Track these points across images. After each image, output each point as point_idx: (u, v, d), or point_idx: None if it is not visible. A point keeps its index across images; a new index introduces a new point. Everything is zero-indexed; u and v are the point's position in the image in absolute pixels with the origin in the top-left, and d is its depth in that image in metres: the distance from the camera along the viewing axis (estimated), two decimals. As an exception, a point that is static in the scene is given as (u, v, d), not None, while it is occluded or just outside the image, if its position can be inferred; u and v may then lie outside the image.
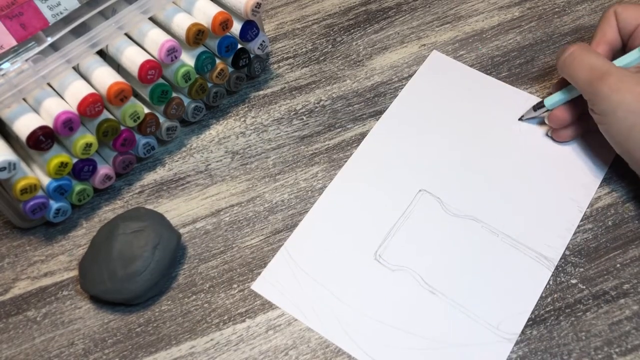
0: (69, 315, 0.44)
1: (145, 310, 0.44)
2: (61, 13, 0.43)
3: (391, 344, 0.41)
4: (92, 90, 0.43)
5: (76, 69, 0.45)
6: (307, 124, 0.52)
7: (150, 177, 0.50)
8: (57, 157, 0.43)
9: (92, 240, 0.44)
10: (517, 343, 0.41)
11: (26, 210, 0.43)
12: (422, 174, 0.48)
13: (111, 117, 0.45)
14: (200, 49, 0.48)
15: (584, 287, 0.43)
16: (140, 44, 0.46)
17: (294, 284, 0.44)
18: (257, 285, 0.44)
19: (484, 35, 0.55)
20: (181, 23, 0.46)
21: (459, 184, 0.48)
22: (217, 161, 0.50)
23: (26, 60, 0.41)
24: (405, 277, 0.44)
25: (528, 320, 0.42)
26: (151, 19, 0.46)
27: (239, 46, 0.50)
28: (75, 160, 0.44)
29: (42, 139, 0.41)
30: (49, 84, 0.43)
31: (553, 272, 0.43)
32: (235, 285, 0.44)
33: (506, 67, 0.54)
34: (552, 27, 0.56)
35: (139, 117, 0.46)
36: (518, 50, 0.54)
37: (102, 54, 0.46)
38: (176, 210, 0.48)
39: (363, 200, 0.47)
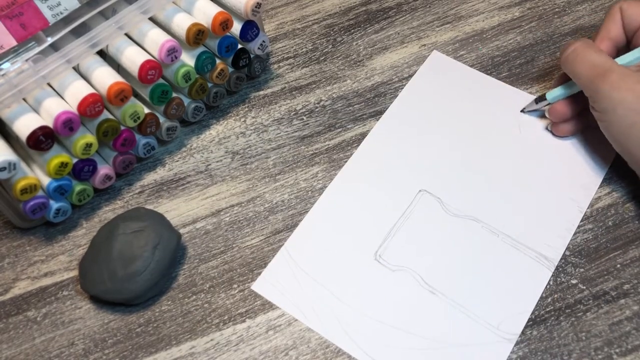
0: (69, 315, 0.44)
1: (145, 311, 0.44)
2: (61, 13, 0.43)
3: (391, 344, 0.41)
4: (92, 90, 0.43)
5: (76, 69, 0.45)
6: (308, 124, 0.52)
7: (150, 177, 0.50)
8: (57, 157, 0.43)
9: (92, 240, 0.44)
10: (517, 343, 0.41)
11: (26, 210, 0.43)
12: (423, 174, 0.48)
13: (111, 117, 0.45)
14: (201, 49, 0.48)
15: (584, 287, 0.43)
16: (140, 44, 0.46)
17: (294, 284, 0.44)
18: (257, 286, 0.44)
19: (484, 36, 0.55)
20: (181, 23, 0.46)
21: (459, 184, 0.48)
22: (217, 161, 0.50)
23: (26, 60, 0.41)
24: (405, 277, 0.44)
25: (528, 321, 0.42)
26: (151, 19, 0.46)
27: (239, 46, 0.50)
28: (75, 160, 0.44)
29: (42, 139, 0.41)
30: (49, 84, 0.43)
31: (553, 273, 0.43)
32: (235, 286, 0.44)
33: (506, 67, 0.54)
34: (552, 27, 0.56)
35: (139, 117, 0.46)
36: (518, 50, 0.54)
37: (102, 54, 0.46)
38: (176, 210, 0.48)
39: (363, 201, 0.47)
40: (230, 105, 0.53)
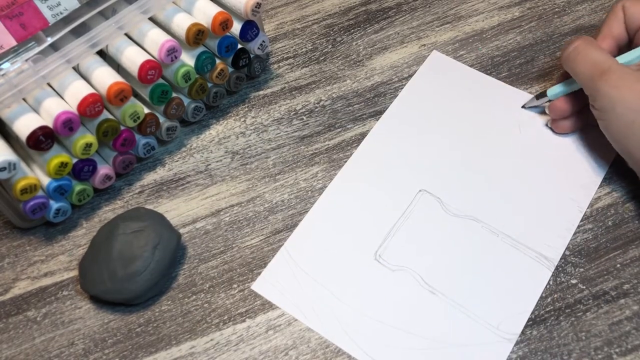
0: (69, 315, 0.44)
1: (145, 310, 0.44)
2: (61, 13, 0.43)
3: (391, 344, 0.41)
4: (92, 90, 0.43)
5: (76, 69, 0.45)
6: (307, 124, 0.52)
7: (150, 177, 0.50)
8: (57, 157, 0.43)
9: (92, 240, 0.44)
10: (517, 343, 0.41)
11: (26, 210, 0.43)
12: (422, 174, 0.48)
13: (111, 117, 0.45)
14: (200, 49, 0.48)
15: (584, 287, 0.43)
16: (140, 44, 0.46)
17: (294, 284, 0.44)
18: (257, 285, 0.44)
19: (484, 35, 0.55)
20: (181, 23, 0.46)
21: (459, 184, 0.48)
22: (217, 161, 0.50)
23: (26, 60, 0.41)
24: (405, 277, 0.44)
25: (528, 321, 0.42)
26: (151, 19, 0.46)
27: (239, 46, 0.50)
28: (75, 160, 0.44)
29: (42, 139, 0.41)
30: (49, 84, 0.43)
31: (553, 272, 0.43)
32: (235, 285, 0.44)
33: (506, 67, 0.54)
34: (552, 27, 0.56)
35: (139, 117, 0.46)
36: (518, 50, 0.54)
37: (102, 54, 0.46)
38: (176, 210, 0.48)
39: (363, 200, 0.47)
40: (230, 105, 0.53)
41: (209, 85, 0.50)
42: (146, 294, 0.43)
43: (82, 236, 0.47)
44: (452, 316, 0.42)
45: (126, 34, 0.46)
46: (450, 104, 0.52)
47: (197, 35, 0.46)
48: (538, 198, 0.47)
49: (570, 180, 0.47)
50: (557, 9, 0.57)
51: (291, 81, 0.54)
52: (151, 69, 0.44)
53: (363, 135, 0.51)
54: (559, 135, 0.49)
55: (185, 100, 0.50)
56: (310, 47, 0.56)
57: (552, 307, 0.42)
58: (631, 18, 0.45)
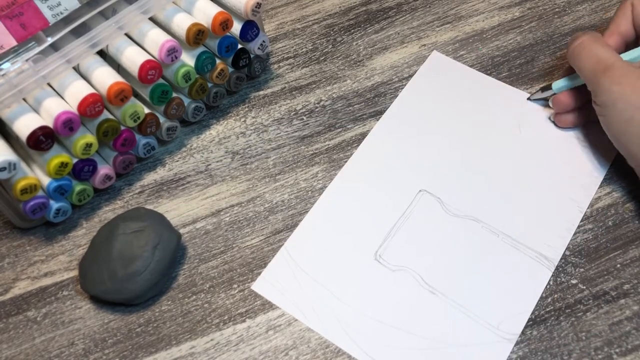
0: (69, 315, 0.44)
1: (145, 310, 0.44)
2: (61, 13, 0.43)
3: (391, 344, 0.41)
4: (92, 90, 0.43)
5: (76, 69, 0.45)
6: (308, 124, 0.52)
7: (150, 177, 0.50)
8: (57, 157, 0.43)
9: (92, 240, 0.44)
10: (517, 343, 0.41)
11: (26, 210, 0.43)
12: (423, 174, 0.48)
13: (111, 117, 0.45)
14: (201, 49, 0.48)
15: (584, 287, 0.43)
16: (140, 44, 0.46)
17: (294, 284, 0.44)
18: (257, 286, 0.44)
19: (484, 36, 0.55)
20: (181, 23, 0.46)
21: (459, 184, 0.48)
22: (217, 161, 0.50)
23: (26, 60, 0.41)
24: (405, 277, 0.44)
25: (528, 321, 0.42)
26: (151, 19, 0.46)
27: (239, 46, 0.50)
28: (75, 160, 0.44)
29: (42, 139, 0.41)
30: (49, 84, 0.43)
31: (553, 272, 0.43)
32: (235, 286, 0.44)
33: (506, 67, 0.54)
34: (552, 27, 0.56)
35: (139, 117, 0.46)
36: (518, 50, 0.54)
37: (102, 54, 0.46)
38: (176, 210, 0.48)
39: (363, 201, 0.47)
40: (230, 105, 0.53)
41: (209, 85, 0.50)
42: (146, 294, 0.43)
43: (82, 236, 0.47)
44: (452, 316, 0.42)
45: (126, 34, 0.46)
46: (450, 104, 0.52)
47: (197, 35, 0.46)
48: (538, 198, 0.47)
49: (570, 180, 0.47)
50: (557, 9, 0.57)
51: (291, 81, 0.54)
52: (151, 69, 0.44)
53: (363, 135, 0.51)
54: (559, 135, 0.49)
55: (186, 100, 0.50)
56: (310, 47, 0.56)
57: (552, 307, 0.42)
58: (639, 15, 0.45)
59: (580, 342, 0.41)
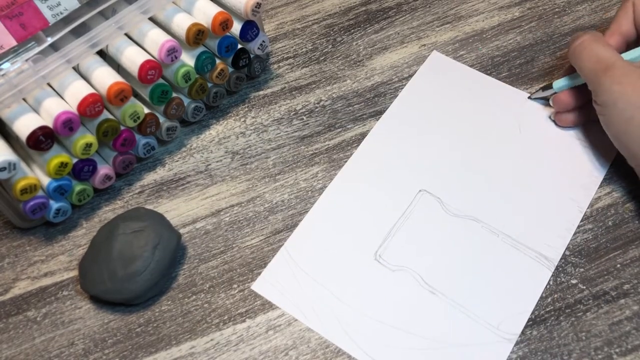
0: (69, 315, 0.44)
1: (145, 310, 0.44)
2: (61, 13, 0.43)
3: (391, 344, 0.41)
4: (92, 90, 0.43)
5: (76, 69, 0.45)
6: (307, 124, 0.52)
7: (150, 177, 0.50)
8: (57, 157, 0.43)
9: (92, 240, 0.44)
10: (517, 343, 0.41)
11: (26, 210, 0.43)
12: (422, 174, 0.48)
13: (111, 117, 0.45)
14: (200, 49, 0.48)
15: (584, 287, 0.43)
16: (140, 44, 0.46)
17: (294, 284, 0.44)
18: (257, 285, 0.44)
19: (484, 36, 0.55)
20: (181, 23, 0.46)
21: (459, 184, 0.48)
22: (217, 161, 0.50)
23: (26, 60, 0.41)
24: (405, 277, 0.44)
25: (528, 321, 0.42)
26: (151, 19, 0.46)
27: (239, 46, 0.50)
28: (75, 160, 0.44)
29: (42, 139, 0.41)
30: (49, 84, 0.43)
31: (553, 272, 0.43)
32: (235, 286, 0.44)
33: (506, 67, 0.54)
34: (552, 27, 0.56)
35: (139, 117, 0.46)
36: (518, 50, 0.54)
37: (102, 54, 0.46)
38: (176, 210, 0.48)
39: (363, 201, 0.47)
40: (230, 105, 0.53)
41: (209, 85, 0.50)
42: (146, 294, 0.43)
43: (82, 236, 0.47)
44: (452, 316, 0.42)
45: (126, 34, 0.46)
46: (450, 104, 0.52)
47: (197, 35, 0.46)
48: (538, 198, 0.47)
49: (570, 180, 0.47)
50: (557, 9, 0.57)
51: (291, 81, 0.54)
52: (151, 69, 0.44)
53: (363, 135, 0.51)
54: (559, 135, 0.49)
55: (185, 100, 0.50)
56: (310, 47, 0.56)
57: (552, 307, 0.42)
58: None
59: (580, 342, 0.41)
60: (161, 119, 0.49)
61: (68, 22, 0.43)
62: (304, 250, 0.45)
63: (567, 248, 0.44)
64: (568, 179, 0.47)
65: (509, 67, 0.53)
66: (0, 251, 0.47)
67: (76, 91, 0.42)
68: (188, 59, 0.48)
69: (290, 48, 0.56)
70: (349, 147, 0.50)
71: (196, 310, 0.43)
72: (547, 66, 0.53)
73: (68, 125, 0.42)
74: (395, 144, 0.50)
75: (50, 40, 0.43)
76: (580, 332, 0.41)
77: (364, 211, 0.47)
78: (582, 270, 0.43)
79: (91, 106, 0.42)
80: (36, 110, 0.42)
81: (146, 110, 0.47)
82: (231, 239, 0.46)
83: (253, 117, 0.52)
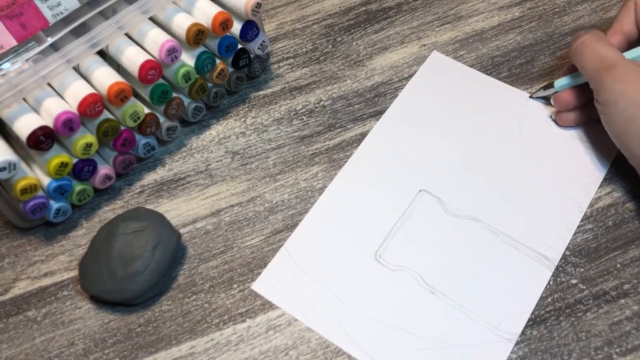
0: (69, 315, 0.44)
1: (145, 310, 0.44)
2: (61, 13, 0.43)
3: (391, 344, 0.41)
4: (92, 90, 0.43)
5: (76, 69, 0.45)
6: (307, 124, 0.52)
7: (150, 177, 0.50)
8: (57, 157, 0.43)
9: (92, 240, 0.44)
10: (517, 343, 0.41)
11: (26, 210, 0.43)
12: (423, 174, 0.48)
13: (111, 117, 0.45)
14: (201, 49, 0.48)
15: (584, 287, 0.43)
16: (140, 44, 0.46)
17: (294, 284, 0.44)
18: (257, 285, 0.44)
19: (484, 36, 0.55)
20: (181, 23, 0.46)
21: (459, 184, 0.48)
22: (217, 161, 0.50)
23: (26, 60, 0.41)
24: (405, 277, 0.44)
25: (528, 321, 0.42)
26: (151, 19, 0.46)
27: (239, 46, 0.50)
28: (75, 160, 0.44)
29: (42, 139, 0.41)
30: (49, 84, 0.43)
31: (553, 272, 0.43)
32: (235, 285, 0.44)
33: (506, 67, 0.54)
34: (552, 27, 0.56)
35: (139, 117, 0.46)
36: (518, 50, 0.54)
37: (102, 54, 0.46)
38: (176, 210, 0.48)
39: (363, 201, 0.47)
40: (230, 105, 0.53)
41: (209, 85, 0.50)
42: (146, 294, 0.43)
43: (82, 236, 0.47)
44: (452, 316, 0.42)
45: (126, 34, 0.46)
46: (450, 104, 0.52)
47: (197, 35, 0.46)
48: (538, 198, 0.47)
49: (570, 180, 0.47)
50: (557, 9, 0.57)
51: (291, 81, 0.54)
52: (151, 69, 0.44)
53: (363, 135, 0.51)
54: (559, 135, 0.49)
55: (186, 100, 0.50)
56: (310, 47, 0.56)
57: (552, 307, 0.42)
58: None
59: (580, 342, 0.41)
60: (161, 119, 0.49)
61: (68, 22, 0.43)
62: (304, 250, 0.45)
63: (567, 248, 0.44)
64: (568, 179, 0.47)
65: (509, 67, 0.53)
66: (0, 251, 0.47)
67: (76, 91, 0.42)
68: (188, 59, 0.48)
69: (291, 48, 0.56)
70: (349, 147, 0.50)
71: (196, 310, 0.43)
72: (547, 66, 0.53)
73: (68, 125, 0.42)
74: (395, 144, 0.50)
75: (50, 40, 0.43)
76: (580, 332, 0.41)
77: (364, 211, 0.47)
78: (582, 270, 0.43)
79: (91, 106, 0.42)
80: (36, 110, 0.42)
81: (146, 110, 0.47)
82: (231, 239, 0.46)
83: (253, 117, 0.52)
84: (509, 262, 0.44)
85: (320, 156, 0.50)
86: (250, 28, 0.49)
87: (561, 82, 0.48)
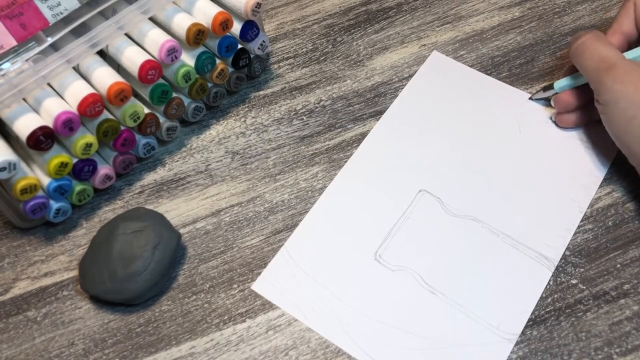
0: (69, 315, 0.44)
1: (145, 311, 0.44)
2: (61, 13, 0.43)
3: (391, 344, 0.41)
4: (92, 90, 0.43)
5: (76, 69, 0.45)
6: (308, 124, 0.52)
7: (150, 177, 0.50)
8: (57, 157, 0.43)
9: (92, 240, 0.44)
10: (517, 343, 0.41)
11: (26, 210, 0.43)
12: (423, 174, 0.48)
13: (111, 117, 0.45)
14: (201, 49, 0.48)
15: (584, 287, 0.43)
16: (140, 44, 0.46)
17: (294, 284, 0.44)
18: (257, 285, 0.44)
19: (484, 36, 0.55)
20: (181, 23, 0.46)
21: (459, 184, 0.48)
22: (217, 161, 0.50)
23: (26, 60, 0.41)
24: (405, 277, 0.44)
25: (528, 321, 0.42)
26: (151, 19, 0.46)
27: (239, 46, 0.50)
28: (75, 160, 0.44)
29: (42, 139, 0.41)
30: (49, 84, 0.43)
31: (553, 273, 0.43)
32: (235, 286, 0.44)
33: (506, 67, 0.53)
34: (552, 27, 0.56)
35: (139, 117, 0.46)
36: (518, 50, 0.54)
37: (102, 54, 0.46)
38: (176, 210, 0.48)
39: (363, 201, 0.47)
40: (230, 105, 0.53)
41: (209, 85, 0.50)
42: (146, 294, 0.43)
43: (82, 236, 0.47)
44: (452, 316, 0.42)
45: (126, 34, 0.46)
46: (450, 104, 0.52)
47: (197, 35, 0.46)
48: (538, 198, 0.47)
49: (570, 180, 0.47)
50: (557, 9, 0.57)
51: (291, 81, 0.54)
52: (151, 69, 0.44)
53: (363, 135, 0.51)
54: (559, 135, 0.49)
55: (186, 100, 0.50)
56: (310, 47, 0.56)
57: (552, 307, 0.42)
58: None
59: (580, 342, 0.41)
60: (161, 119, 0.49)
61: (68, 22, 0.43)
62: (304, 250, 0.45)
63: (567, 248, 0.44)
64: (568, 179, 0.47)
65: (509, 67, 0.53)
66: (0, 251, 0.47)
67: (76, 91, 0.42)
68: (188, 59, 0.48)
69: (291, 48, 0.56)
70: (349, 147, 0.50)
71: (196, 310, 0.43)
72: (547, 66, 0.53)
73: (68, 125, 0.42)
74: (395, 144, 0.50)
75: (50, 40, 0.43)
76: (580, 332, 0.41)
77: (364, 211, 0.47)
78: (582, 270, 0.43)
79: (91, 106, 0.42)
80: (36, 110, 0.42)
81: (146, 110, 0.47)
82: (231, 239, 0.46)
83: (253, 117, 0.52)
84: (509, 262, 0.44)
85: (320, 156, 0.50)
86: (250, 28, 0.49)
87: (561, 83, 0.48)
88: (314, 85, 0.54)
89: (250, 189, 0.49)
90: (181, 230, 0.47)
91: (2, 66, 0.41)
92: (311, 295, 0.43)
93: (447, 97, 0.52)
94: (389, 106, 0.52)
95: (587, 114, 0.48)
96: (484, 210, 0.46)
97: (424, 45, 0.55)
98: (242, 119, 0.52)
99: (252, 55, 0.52)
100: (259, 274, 0.45)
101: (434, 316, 0.42)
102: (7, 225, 0.48)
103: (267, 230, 0.47)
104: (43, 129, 0.41)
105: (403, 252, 0.45)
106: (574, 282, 0.43)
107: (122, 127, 0.46)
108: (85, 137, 0.43)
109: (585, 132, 0.49)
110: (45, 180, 0.44)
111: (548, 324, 0.41)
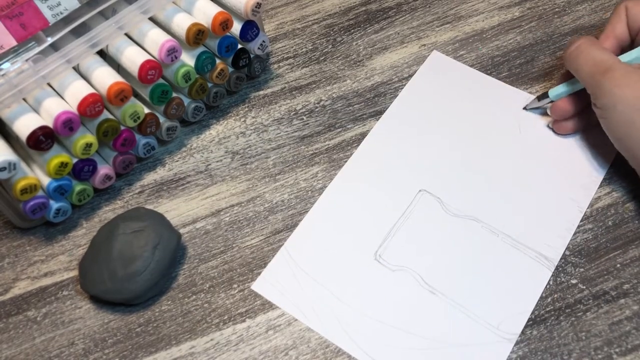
0: (69, 315, 0.44)
1: (145, 310, 0.44)
2: (61, 13, 0.43)
3: (391, 344, 0.41)
4: (92, 90, 0.43)
5: (76, 69, 0.45)
6: (307, 124, 0.52)
7: (150, 177, 0.50)
8: (57, 157, 0.43)
9: (92, 240, 0.44)
10: (517, 343, 0.41)
11: (26, 210, 0.43)
12: (422, 174, 0.48)
13: (111, 117, 0.45)
14: (201, 49, 0.48)
15: (584, 287, 0.43)
16: (140, 44, 0.46)
17: (294, 284, 0.44)
18: (257, 285, 0.44)
19: (484, 35, 0.55)
20: (181, 23, 0.46)
21: (459, 184, 0.48)
22: (217, 161, 0.50)
23: (26, 60, 0.41)
24: (405, 277, 0.44)
25: (528, 320, 0.42)
26: (151, 19, 0.46)
27: (239, 46, 0.50)
28: (75, 160, 0.44)
29: (42, 139, 0.41)
30: (49, 84, 0.43)
31: (553, 272, 0.43)
32: (235, 285, 0.44)
33: (506, 67, 0.54)
34: (552, 27, 0.56)
35: (139, 117, 0.46)
36: (518, 50, 0.54)
37: (102, 54, 0.46)
38: (176, 210, 0.48)
39: (363, 201, 0.47)
40: (230, 105, 0.53)
41: (209, 85, 0.50)
42: (146, 294, 0.43)
43: (82, 236, 0.47)
44: (452, 316, 0.42)
45: (126, 34, 0.46)
46: (450, 104, 0.52)
47: (197, 35, 0.46)
48: (538, 198, 0.47)
49: (570, 180, 0.47)
50: (557, 9, 0.57)
51: (291, 81, 0.54)
52: (151, 69, 0.44)
53: (363, 135, 0.51)
54: (559, 136, 0.49)
55: (186, 100, 0.50)
56: (310, 47, 0.56)
57: (552, 307, 0.42)
58: (633, 18, 0.45)
59: (580, 342, 0.41)
60: (161, 119, 0.49)
61: (68, 22, 0.43)
62: (304, 250, 0.45)
63: (567, 248, 0.44)
64: (568, 179, 0.47)
65: (509, 67, 0.53)
66: (0, 251, 0.47)
67: (76, 91, 0.42)
68: (188, 59, 0.48)
69: (290, 48, 0.56)
70: (349, 147, 0.50)
71: (196, 310, 0.43)
72: (547, 66, 0.53)
73: (68, 125, 0.42)
74: (395, 144, 0.50)
75: (50, 40, 0.43)
76: (580, 332, 0.41)
77: (364, 211, 0.47)
78: (582, 270, 0.43)
79: (91, 106, 0.42)
80: (36, 110, 0.42)
81: (146, 110, 0.47)
82: (231, 239, 0.46)
83: (253, 117, 0.52)
84: (509, 262, 0.44)
85: (320, 156, 0.50)
86: (250, 28, 0.49)
87: (556, 91, 0.48)
88: (314, 85, 0.54)
89: (250, 188, 0.49)
90: (181, 230, 0.47)
91: (2, 66, 0.41)
92: (311, 295, 0.43)
93: (447, 97, 0.52)
94: (389, 106, 0.52)
95: (585, 120, 0.48)
96: (484, 210, 0.46)
97: (424, 45, 0.55)
98: (242, 119, 0.52)
99: (252, 55, 0.52)
100: (259, 273, 0.45)
101: (434, 316, 0.42)
102: (7, 225, 0.48)
103: (267, 230, 0.47)
104: (43, 129, 0.41)
105: (403, 252, 0.45)
106: (573, 282, 0.43)
107: (122, 127, 0.46)
108: (85, 137, 0.43)
109: (585, 133, 0.49)
110: (45, 180, 0.44)
111: (548, 324, 0.41)
